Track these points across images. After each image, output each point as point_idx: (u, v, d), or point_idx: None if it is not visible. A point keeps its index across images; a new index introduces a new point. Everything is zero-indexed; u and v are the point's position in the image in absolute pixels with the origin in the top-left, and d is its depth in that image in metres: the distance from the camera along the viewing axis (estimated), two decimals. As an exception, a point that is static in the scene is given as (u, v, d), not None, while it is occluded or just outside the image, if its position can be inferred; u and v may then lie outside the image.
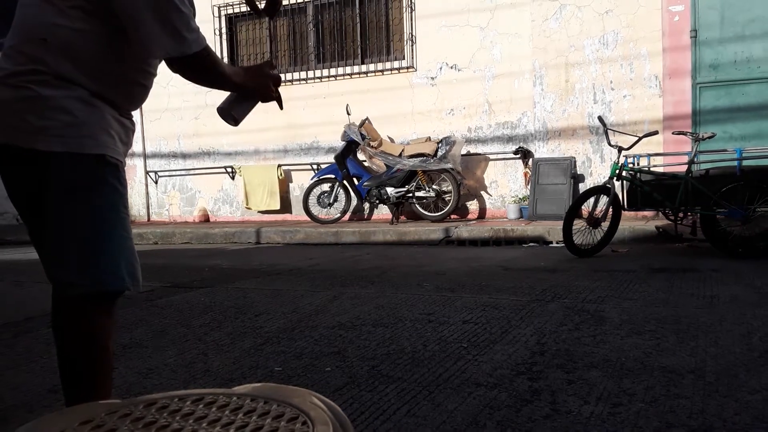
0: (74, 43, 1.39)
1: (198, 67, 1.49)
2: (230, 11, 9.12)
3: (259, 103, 1.69)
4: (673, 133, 5.97)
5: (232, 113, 1.65)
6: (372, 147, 7.61)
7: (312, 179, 8.10)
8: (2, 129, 1.39)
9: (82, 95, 1.42)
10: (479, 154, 7.82)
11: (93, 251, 1.42)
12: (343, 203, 7.97)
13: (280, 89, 1.73)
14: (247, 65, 1.72)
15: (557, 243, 6.11)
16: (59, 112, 1.38)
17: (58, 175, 1.39)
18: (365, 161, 8.03)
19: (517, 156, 7.57)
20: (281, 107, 1.72)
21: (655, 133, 5.44)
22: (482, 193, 7.89)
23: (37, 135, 1.38)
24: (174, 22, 1.39)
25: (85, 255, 1.42)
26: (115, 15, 1.40)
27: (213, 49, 1.55)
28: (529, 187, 7.43)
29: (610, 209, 5.27)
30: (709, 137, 5.16)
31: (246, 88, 1.63)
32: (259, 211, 9.02)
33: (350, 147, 7.72)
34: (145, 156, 9.84)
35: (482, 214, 7.90)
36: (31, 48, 1.39)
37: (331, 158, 8.25)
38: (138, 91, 1.56)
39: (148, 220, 9.92)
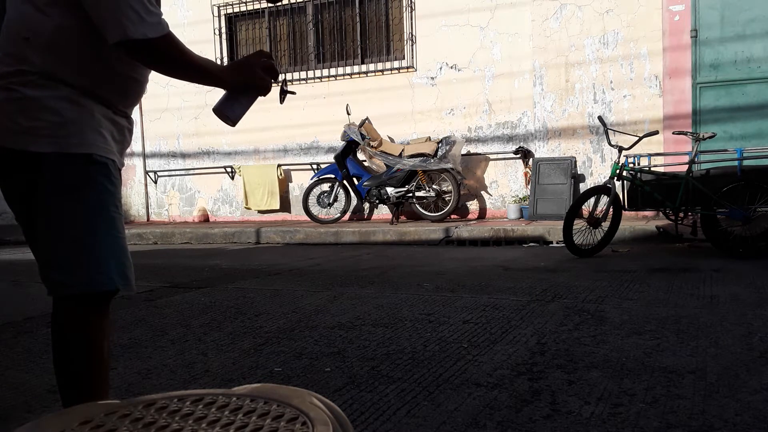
0: (57, 40, 1.39)
1: (160, 53, 1.41)
2: (230, 11, 9.11)
3: (260, 98, 1.58)
4: (673, 133, 5.97)
5: (224, 113, 1.56)
6: (372, 147, 7.61)
7: (312, 179, 8.09)
8: None
9: (70, 94, 1.41)
10: (479, 154, 7.82)
11: (82, 251, 1.42)
12: (343, 203, 7.96)
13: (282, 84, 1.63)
14: (236, 59, 1.64)
15: (557, 243, 6.11)
16: (47, 113, 1.38)
17: (47, 175, 1.39)
18: (365, 161, 8.03)
19: (518, 156, 7.57)
20: (281, 101, 1.66)
21: (656, 132, 5.43)
22: (482, 193, 7.89)
23: (26, 136, 1.38)
24: (132, 4, 1.33)
25: (74, 255, 1.42)
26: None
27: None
28: (529, 187, 7.43)
29: (611, 209, 5.26)
30: (710, 137, 5.15)
31: (231, 84, 1.56)
32: (258, 211, 9.01)
33: (350, 147, 7.72)
34: (144, 156, 9.83)
35: (482, 214, 7.90)
36: (15, 48, 1.39)
37: (331, 158, 8.25)
38: (131, 86, 1.54)
39: (148, 220, 9.92)
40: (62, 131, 1.39)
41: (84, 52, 1.42)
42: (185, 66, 1.48)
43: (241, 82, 1.56)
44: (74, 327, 1.44)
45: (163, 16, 1.42)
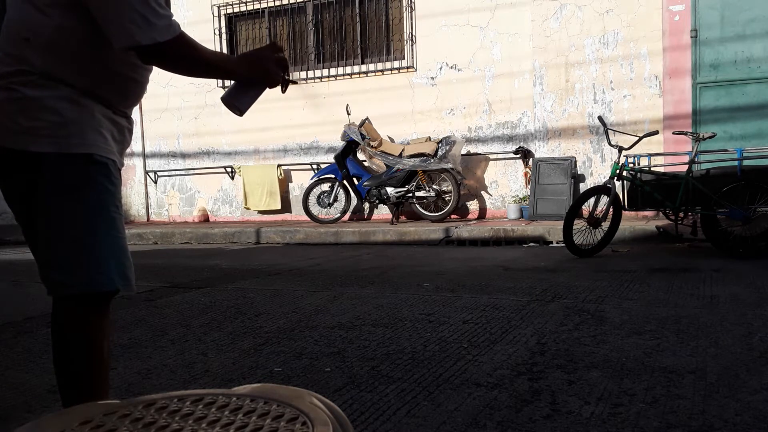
0: (57, 41, 1.38)
1: (172, 56, 1.40)
2: (230, 11, 9.11)
3: (261, 96, 1.57)
4: (673, 133, 5.97)
5: (234, 103, 1.56)
6: (372, 147, 7.61)
7: (312, 179, 8.09)
8: None
9: (70, 94, 1.41)
10: (479, 154, 7.82)
11: (82, 251, 1.42)
12: (343, 203, 7.96)
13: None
14: (247, 51, 1.61)
15: (557, 243, 6.11)
16: (47, 113, 1.38)
17: (47, 175, 1.39)
18: (365, 161, 8.03)
19: (518, 156, 7.57)
20: (283, 90, 1.65)
21: (656, 132, 5.43)
22: (482, 193, 7.89)
23: (27, 136, 1.37)
24: (139, 8, 1.32)
25: (74, 255, 1.42)
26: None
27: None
28: (529, 187, 7.43)
29: (611, 209, 5.26)
30: (710, 137, 5.15)
31: (242, 77, 1.55)
32: (258, 211, 9.01)
33: (350, 147, 7.72)
34: (144, 156, 9.83)
35: (482, 214, 7.90)
36: (15, 49, 1.38)
37: (331, 158, 8.25)
38: (131, 86, 1.53)
39: (148, 220, 9.92)
40: (63, 131, 1.39)
41: (84, 52, 1.41)
42: (198, 65, 1.48)
43: (253, 76, 1.55)
44: (74, 327, 1.44)
45: (173, 17, 1.40)
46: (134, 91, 1.55)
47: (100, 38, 1.40)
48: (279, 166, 8.71)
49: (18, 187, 1.44)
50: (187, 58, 1.44)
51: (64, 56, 1.40)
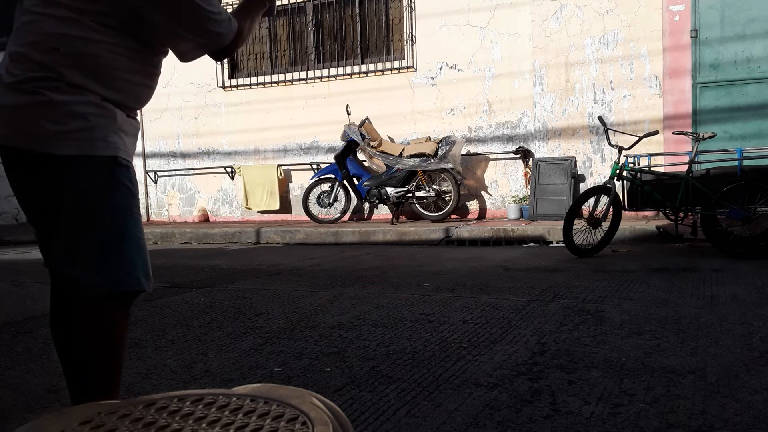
0: (88, 54, 1.40)
1: (234, 48, 1.60)
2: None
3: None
4: (673, 133, 5.97)
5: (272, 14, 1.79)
6: (372, 147, 7.61)
7: (312, 179, 8.09)
8: (19, 134, 1.40)
9: (94, 100, 1.43)
10: (479, 154, 7.82)
11: (110, 252, 1.44)
12: (343, 203, 7.96)
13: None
14: None
15: (557, 243, 6.11)
16: (74, 117, 1.39)
17: (74, 178, 1.40)
18: (365, 161, 8.02)
19: (518, 156, 7.57)
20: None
21: (656, 132, 5.43)
22: (482, 193, 7.89)
23: (54, 140, 1.38)
24: (209, 27, 1.49)
25: (102, 256, 1.43)
26: (132, 26, 1.44)
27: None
28: (529, 187, 7.43)
29: (611, 209, 5.26)
30: (710, 137, 5.16)
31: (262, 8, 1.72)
32: (258, 211, 9.01)
33: (350, 147, 7.72)
34: (144, 156, 9.83)
35: (482, 214, 7.90)
36: (41, 56, 1.38)
37: (331, 158, 8.25)
38: (144, 92, 1.58)
39: (148, 220, 9.91)
40: (89, 135, 1.41)
41: (111, 66, 1.44)
42: (251, 30, 1.69)
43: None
44: (96, 326, 1.45)
45: (229, 19, 1.54)
46: (147, 95, 1.61)
47: (129, 53, 1.46)
48: (279, 166, 8.71)
49: (38, 188, 1.44)
50: (246, 37, 1.65)
51: (93, 69, 1.42)
